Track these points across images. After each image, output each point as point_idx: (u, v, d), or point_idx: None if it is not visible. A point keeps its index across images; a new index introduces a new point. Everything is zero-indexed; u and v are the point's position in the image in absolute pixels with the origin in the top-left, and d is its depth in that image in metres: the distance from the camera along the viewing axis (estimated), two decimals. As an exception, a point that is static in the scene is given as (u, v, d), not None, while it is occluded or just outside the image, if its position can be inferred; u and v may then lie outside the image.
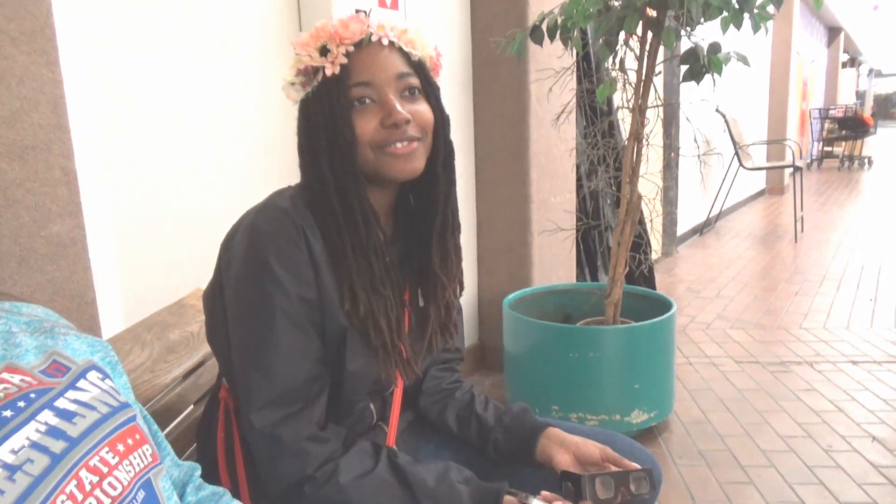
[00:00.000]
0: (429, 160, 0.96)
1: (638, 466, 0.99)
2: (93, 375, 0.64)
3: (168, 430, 1.07)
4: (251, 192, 0.97)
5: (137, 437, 0.63)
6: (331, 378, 0.94)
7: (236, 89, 1.72)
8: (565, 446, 1.04)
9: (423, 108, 0.93)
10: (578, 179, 3.14)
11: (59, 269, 0.99)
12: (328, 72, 0.89)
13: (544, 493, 0.91)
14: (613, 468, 0.99)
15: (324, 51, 0.89)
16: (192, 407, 1.13)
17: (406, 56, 0.93)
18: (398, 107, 0.89)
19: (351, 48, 0.89)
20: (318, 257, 0.89)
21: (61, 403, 0.59)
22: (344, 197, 0.90)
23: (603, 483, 0.93)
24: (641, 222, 2.51)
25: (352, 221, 0.90)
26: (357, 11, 2.02)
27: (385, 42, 0.91)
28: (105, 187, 1.39)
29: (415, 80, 0.93)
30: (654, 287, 3.74)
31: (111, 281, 1.36)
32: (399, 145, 0.90)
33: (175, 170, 1.57)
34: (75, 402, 0.60)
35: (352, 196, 0.90)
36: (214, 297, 0.95)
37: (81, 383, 0.62)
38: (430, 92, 0.95)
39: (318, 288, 0.89)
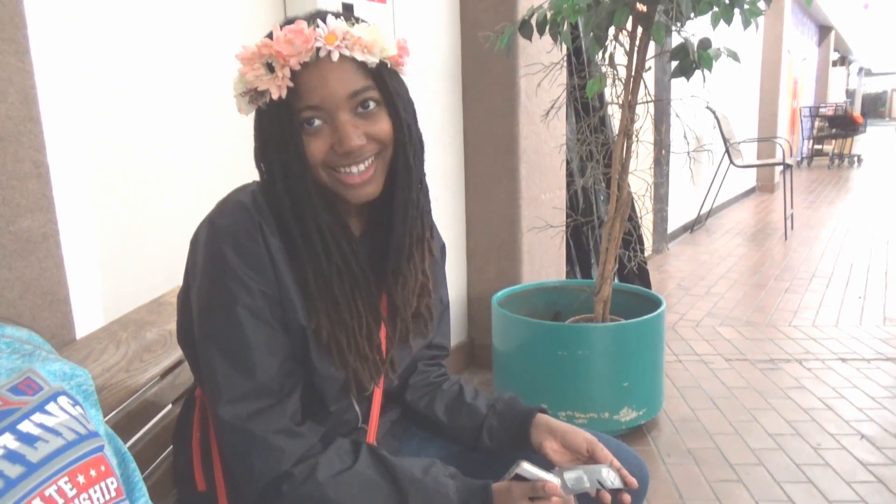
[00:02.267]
0: (388, 176, 0.91)
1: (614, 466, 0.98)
2: (63, 400, 0.61)
3: (144, 431, 1.04)
4: (234, 187, 0.94)
5: (103, 468, 0.60)
6: (304, 377, 0.92)
7: (220, 84, 1.68)
8: (553, 433, 1.03)
9: (381, 125, 0.87)
10: (570, 175, 3.12)
11: (29, 265, 0.96)
12: (274, 95, 0.83)
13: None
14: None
15: (270, 68, 0.83)
16: (169, 407, 1.11)
17: (362, 66, 0.85)
18: (350, 133, 0.84)
19: (297, 67, 0.83)
20: (276, 254, 0.87)
21: (25, 427, 0.56)
22: (301, 220, 0.87)
23: (571, 475, 0.93)
24: (632, 219, 2.49)
25: (310, 245, 0.87)
26: (343, 6, 1.99)
27: (335, 57, 0.83)
28: (82, 181, 1.36)
29: (371, 93, 0.86)
30: (648, 284, 3.72)
31: (88, 278, 1.33)
32: (354, 170, 0.86)
33: (157, 165, 1.54)
34: (41, 426, 0.57)
35: (309, 221, 0.87)
36: (185, 295, 0.93)
37: (50, 406, 0.59)
38: (390, 99, 0.88)
39: (278, 285, 0.87)
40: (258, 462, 0.85)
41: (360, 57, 0.84)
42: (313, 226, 0.87)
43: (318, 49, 0.83)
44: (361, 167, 0.87)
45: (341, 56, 0.84)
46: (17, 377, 0.60)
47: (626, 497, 0.93)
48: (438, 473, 0.91)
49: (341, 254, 0.89)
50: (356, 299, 0.91)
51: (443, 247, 1.11)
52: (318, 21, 0.84)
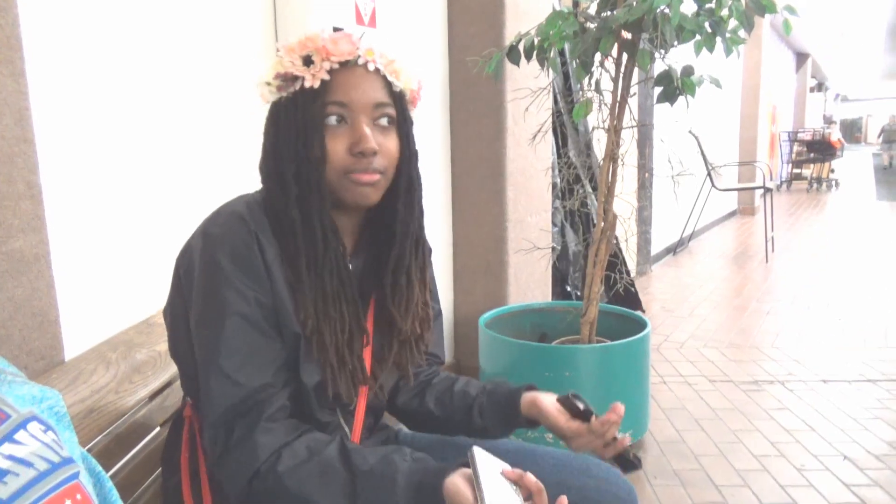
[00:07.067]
0: (389, 194, 0.95)
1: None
2: (34, 427, 0.58)
3: (133, 453, 1.03)
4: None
5: (79, 496, 0.57)
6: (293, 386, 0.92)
7: (211, 105, 1.69)
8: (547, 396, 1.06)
9: (391, 143, 0.93)
10: (562, 196, 3.15)
11: (20, 285, 0.96)
12: (307, 83, 0.88)
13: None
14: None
15: (307, 61, 0.89)
16: (157, 429, 1.10)
17: (388, 85, 0.93)
18: (369, 136, 0.89)
19: (336, 66, 0.89)
20: (271, 263, 0.89)
21: None
22: (305, 209, 0.89)
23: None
24: (616, 241, 2.51)
25: (310, 235, 0.90)
26: (334, 29, 2.01)
27: (371, 67, 0.91)
28: (73, 202, 1.36)
29: (391, 111, 0.93)
30: (640, 305, 3.73)
31: (77, 299, 1.32)
32: (363, 173, 0.90)
33: (147, 186, 1.54)
34: (10, 457, 0.54)
35: (313, 210, 0.89)
36: (174, 308, 0.94)
37: (20, 435, 0.57)
38: (402, 125, 0.95)
39: (272, 293, 0.89)
40: (235, 463, 0.85)
41: (389, 77, 0.92)
42: (317, 218, 0.89)
43: (358, 58, 0.90)
44: (370, 173, 0.91)
45: (376, 69, 0.91)
46: None
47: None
48: (396, 458, 0.87)
49: (335, 253, 0.91)
50: (341, 301, 0.92)
51: (429, 251, 1.12)
52: (361, 40, 0.91)
